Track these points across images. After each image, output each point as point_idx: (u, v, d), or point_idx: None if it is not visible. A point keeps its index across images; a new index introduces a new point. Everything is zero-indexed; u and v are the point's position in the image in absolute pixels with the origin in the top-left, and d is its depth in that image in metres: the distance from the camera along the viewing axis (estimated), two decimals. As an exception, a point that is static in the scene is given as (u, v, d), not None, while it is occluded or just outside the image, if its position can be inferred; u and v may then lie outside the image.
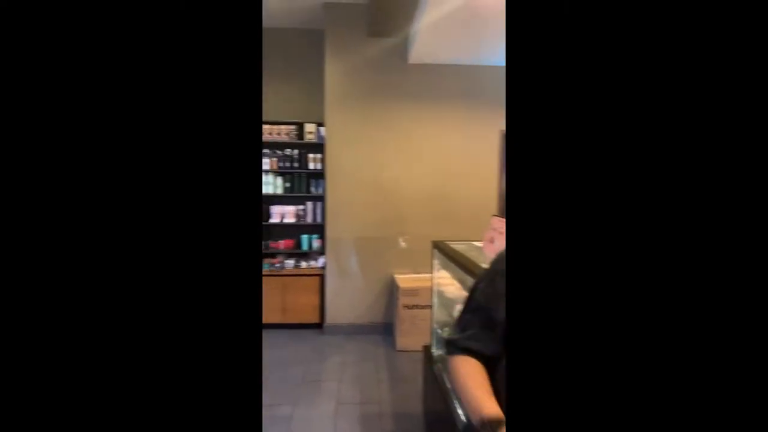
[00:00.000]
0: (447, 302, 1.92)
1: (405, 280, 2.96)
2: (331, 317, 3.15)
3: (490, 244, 1.49)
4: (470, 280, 1.28)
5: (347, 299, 3.15)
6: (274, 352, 2.78)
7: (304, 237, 3.33)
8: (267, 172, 3.23)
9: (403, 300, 2.81)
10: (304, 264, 3.23)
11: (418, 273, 3.07)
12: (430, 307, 2.67)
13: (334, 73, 2.99)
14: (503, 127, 2.88)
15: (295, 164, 3.24)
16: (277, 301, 3.12)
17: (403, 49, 2.98)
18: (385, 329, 3.15)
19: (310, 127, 3.20)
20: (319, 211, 3.27)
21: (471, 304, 0.75)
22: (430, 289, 2.07)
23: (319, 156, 3.21)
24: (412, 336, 2.79)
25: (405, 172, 3.07)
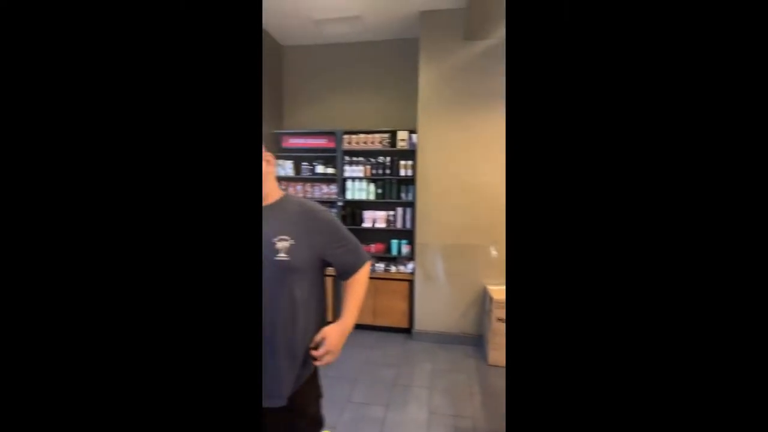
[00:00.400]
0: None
1: (499, 291, 2.81)
2: (419, 323, 3.15)
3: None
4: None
5: (436, 307, 3.11)
6: (364, 351, 2.87)
7: (394, 242, 3.39)
8: (361, 179, 3.38)
9: (496, 312, 2.67)
10: (393, 268, 3.28)
11: (513, 284, 2.89)
12: (526, 321, 2.49)
13: (427, 79, 3.01)
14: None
15: (387, 171, 3.33)
16: (369, 302, 3.22)
17: (499, 50, 2.87)
18: (475, 341, 3.04)
19: (402, 135, 3.26)
20: (408, 216, 3.30)
21: None
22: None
23: (410, 162, 3.25)
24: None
25: (498, 179, 2.94)
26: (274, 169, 1.05)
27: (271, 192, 1.04)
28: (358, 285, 1.11)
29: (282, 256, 0.97)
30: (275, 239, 0.97)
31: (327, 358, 1.03)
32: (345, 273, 1.10)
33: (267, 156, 1.02)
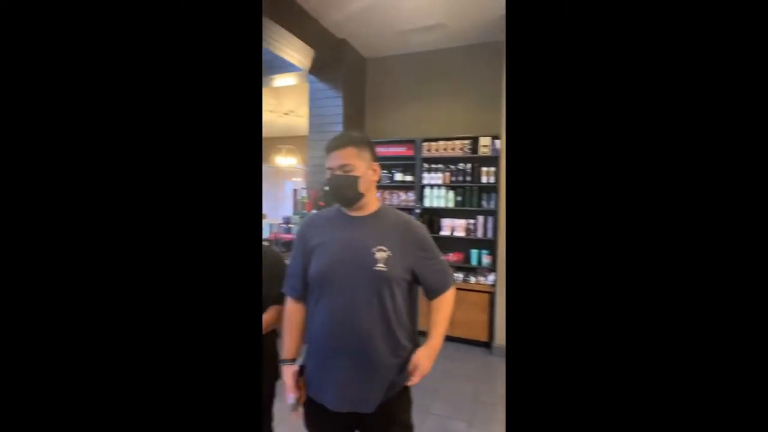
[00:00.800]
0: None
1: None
2: (500, 338, 2.99)
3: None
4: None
5: (519, 321, 2.93)
6: (443, 362, 2.81)
7: (474, 251, 3.29)
8: (440, 186, 3.35)
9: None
10: (473, 279, 3.18)
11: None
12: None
13: (513, 83, 2.89)
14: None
15: (468, 178, 3.25)
16: (446, 313, 3.15)
17: (597, 46, 2.65)
18: (563, 362, 2.79)
19: (484, 141, 3.17)
20: (490, 225, 3.18)
21: None
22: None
23: (492, 169, 3.14)
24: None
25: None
26: (377, 180, 1.08)
27: (371, 202, 1.07)
28: (446, 307, 1.10)
29: (380, 266, 0.98)
30: (374, 249, 0.99)
31: (415, 380, 1.02)
32: (433, 291, 1.09)
33: (374, 166, 1.05)
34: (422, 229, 1.08)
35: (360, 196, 1.02)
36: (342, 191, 1.01)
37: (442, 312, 1.09)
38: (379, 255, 0.98)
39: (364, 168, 1.01)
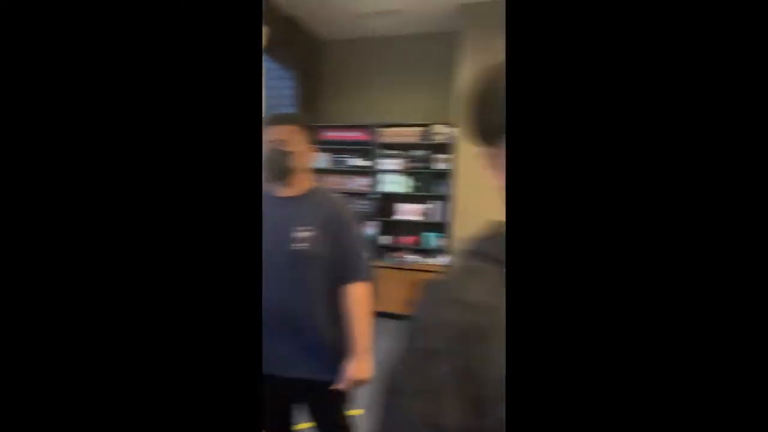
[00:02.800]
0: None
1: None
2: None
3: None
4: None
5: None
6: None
7: (427, 234, 3.42)
8: (396, 171, 3.41)
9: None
10: (430, 260, 3.31)
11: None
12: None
13: (467, 73, 2.99)
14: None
15: (423, 164, 3.34)
16: (403, 293, 3.27)
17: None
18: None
19: (439, 128, 3.27)
20: (443, 210, 3.32)
21: None
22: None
23: (447, 156, 3.26)
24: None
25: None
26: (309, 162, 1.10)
27: (302, 182, 1.09)
28: (357, 308, 1.05)
29: (303, 245, 1.02)
30: (299, 228, 1.03)
31: (359, 383, 1.05)
32: (342, 277, 1.07)
33: (311, 148, 1.09)
34: (348, 212, 1.10)
35: (290, 172, 1.05)
36: (272, 165, 1.05)
37: (356, 317, 1.05)
38: (302, 234, 1.02)
39: (298, 146, 1.05)
